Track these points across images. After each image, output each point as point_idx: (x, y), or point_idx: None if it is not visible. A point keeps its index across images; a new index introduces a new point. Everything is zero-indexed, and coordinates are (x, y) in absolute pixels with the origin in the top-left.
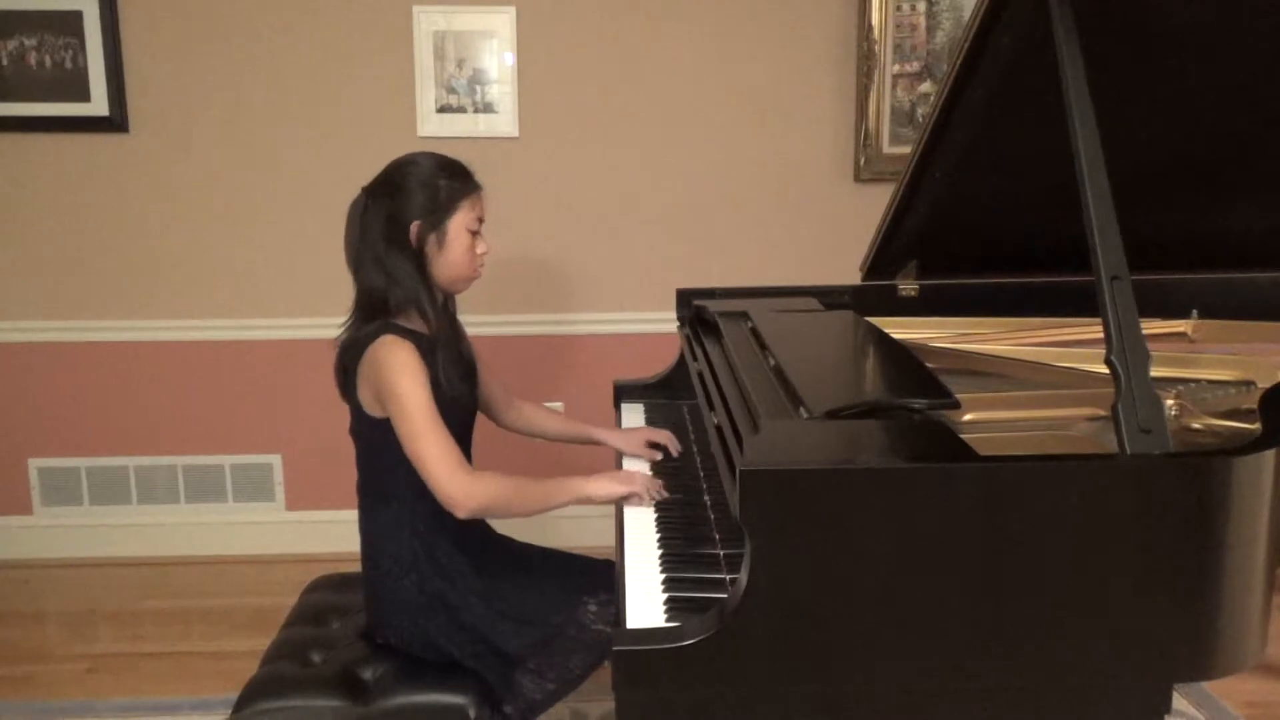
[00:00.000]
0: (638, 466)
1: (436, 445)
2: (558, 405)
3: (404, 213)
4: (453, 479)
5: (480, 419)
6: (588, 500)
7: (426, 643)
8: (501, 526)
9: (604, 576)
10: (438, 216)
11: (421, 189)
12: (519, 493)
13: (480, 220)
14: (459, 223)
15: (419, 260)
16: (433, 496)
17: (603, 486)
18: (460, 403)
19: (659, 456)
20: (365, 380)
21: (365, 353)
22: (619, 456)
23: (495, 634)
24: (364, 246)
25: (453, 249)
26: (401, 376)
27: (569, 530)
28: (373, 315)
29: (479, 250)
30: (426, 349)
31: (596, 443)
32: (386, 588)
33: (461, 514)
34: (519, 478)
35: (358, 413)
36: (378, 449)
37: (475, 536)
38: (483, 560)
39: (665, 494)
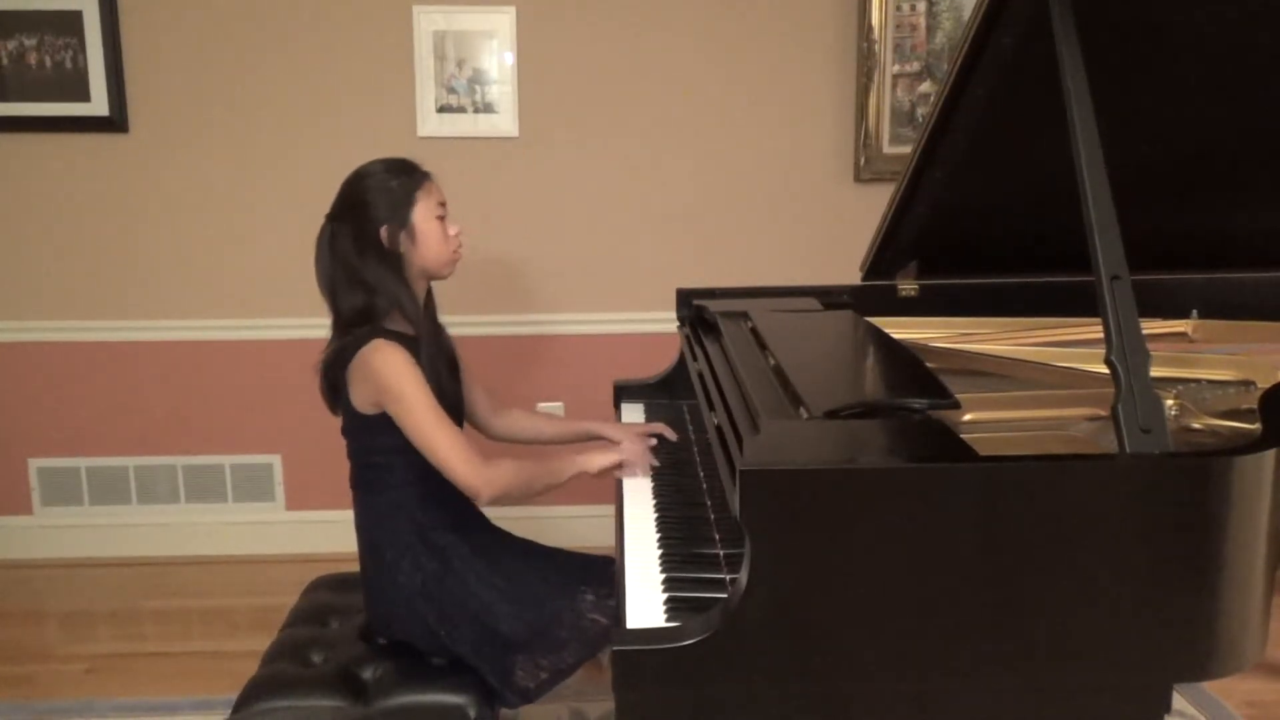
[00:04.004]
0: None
1: (449, 439)
2: (558, 405)
3: (370, 222)
4: (472, 470)
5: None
6: (586, 471)
7: (424, 631)
8: (501, 524)
9: (603, 571)
10: (401, 214)
11: (379, 195)
12: (533, 474)
13: (442, 205)
14: (422, 213)
15: (396, 262)
16: (426, 484)
17: (595, 459)
18: (449, 400)
19: (654, 443)
20: (359, 382)
21: (356, 356)
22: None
23: (493, 616)
24: (337, 267)
25: (426, 239)
26: (402, 379)
27: (569, 529)
28: (357, 326)
29: (452, 232)
30: (415, 350)
31: (599, 438)
32: (385, 575)
33: (483, 502)
34: (528, 460)
35: (350, 413)
36: (370, 441)
37: (472, 522)
38: (481, 544)
39: (655, 461)
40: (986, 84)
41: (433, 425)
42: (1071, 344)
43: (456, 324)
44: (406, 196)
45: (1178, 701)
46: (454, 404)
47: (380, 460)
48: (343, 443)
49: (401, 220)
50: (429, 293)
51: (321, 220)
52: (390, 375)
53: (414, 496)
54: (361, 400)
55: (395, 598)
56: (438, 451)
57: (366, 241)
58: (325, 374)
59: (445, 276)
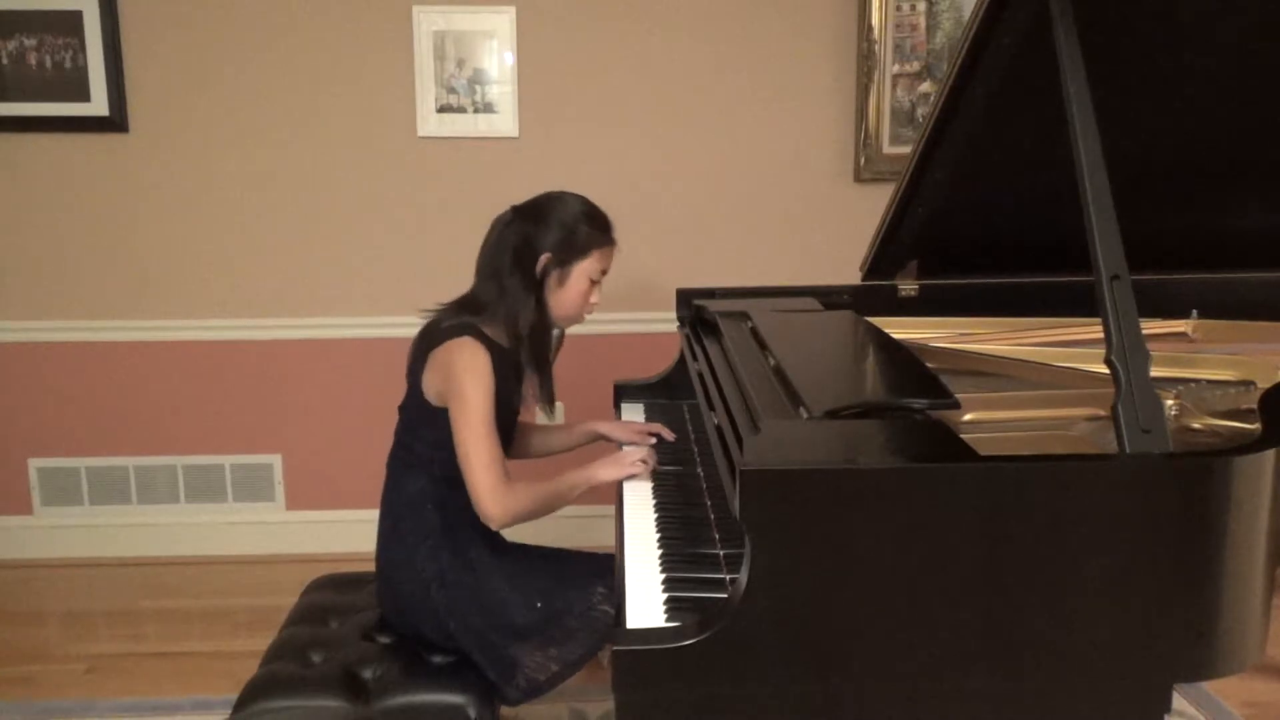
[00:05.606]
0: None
1: (487, 455)
2: (558, 405)
3: (539, 242)
4: (494, 493)
5: None
6: (597, 484)
7: (432, 617)
8: (509, 533)
9: (612, 568)
10: (568, 256)
11: (561, 227)
12: (545, 497)
13: (604, 272)
14: (584, 268)
15: (537, 290)
16: (461, 483)
17: (607, 470)
18: (508, 407)
19: (654, 441)
20: (435, 368)
21: (444, 343)
22: (620, 446)
23: (504, 606)
24: (491, 258)
25: (570, 290)
26: (473, 381)
27: (571, 530)
28: (467, 312)
29: (592, 300)
30: (499, 360)
31: (602, 436)
32: (402, 556)
33: (495, 526)
34: (540, 484)
35: (415, 392)
36: (423, 427)
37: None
38: (498, 545)
39: (655, 464)
40: (986, 84)
41: (479, 436)
42: (1071, 344)
43: None
44: (584, 246)
45: (1178, 701)
46: (513, 411)
47: (424, 450)
48: (344, 442)
49: (564, 261)
50: (561, 337)
51: (320, 219)
52: (463, 373)
53: (446, 490)
54: (430, 386)
55: (409, 579)
56: (473, 462)
57: (525, 253)
58: (420, 336)
59: (561, 329)
